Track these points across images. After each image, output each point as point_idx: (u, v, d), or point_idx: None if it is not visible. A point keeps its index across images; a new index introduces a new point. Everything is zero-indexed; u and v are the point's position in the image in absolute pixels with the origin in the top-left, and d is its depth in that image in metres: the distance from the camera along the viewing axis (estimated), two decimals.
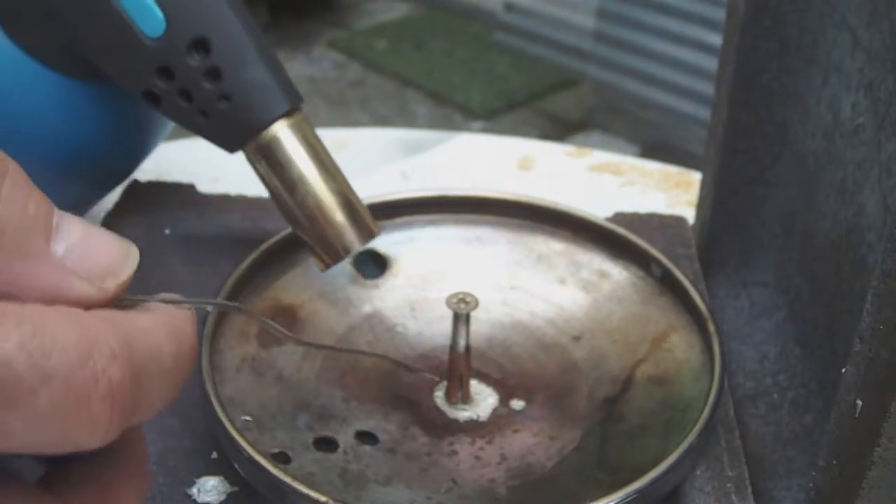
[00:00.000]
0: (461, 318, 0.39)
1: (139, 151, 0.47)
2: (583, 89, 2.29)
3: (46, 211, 0.20)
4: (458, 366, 0.39)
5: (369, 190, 0.48)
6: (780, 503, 0.38)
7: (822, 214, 0.40)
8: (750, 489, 0.35)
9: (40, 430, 0.19)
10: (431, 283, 0.45)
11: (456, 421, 0.39)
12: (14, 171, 0.20)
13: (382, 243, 0.46)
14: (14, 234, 0.19)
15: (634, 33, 2.11)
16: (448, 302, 0.39)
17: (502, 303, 0.45)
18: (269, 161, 0.38)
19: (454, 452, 0.38)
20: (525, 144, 0.71)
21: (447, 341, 0.39)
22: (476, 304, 0.38)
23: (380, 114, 2.21)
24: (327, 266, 0.38)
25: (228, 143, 0.38)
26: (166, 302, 0.23)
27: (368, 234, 0.38)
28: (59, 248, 0.20)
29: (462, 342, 0.39)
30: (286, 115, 0.38)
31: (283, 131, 0.37)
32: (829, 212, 0.39)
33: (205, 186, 0.52)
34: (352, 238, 0.38)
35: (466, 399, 0.40)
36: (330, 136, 0.70)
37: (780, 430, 0.41)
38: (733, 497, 0.34)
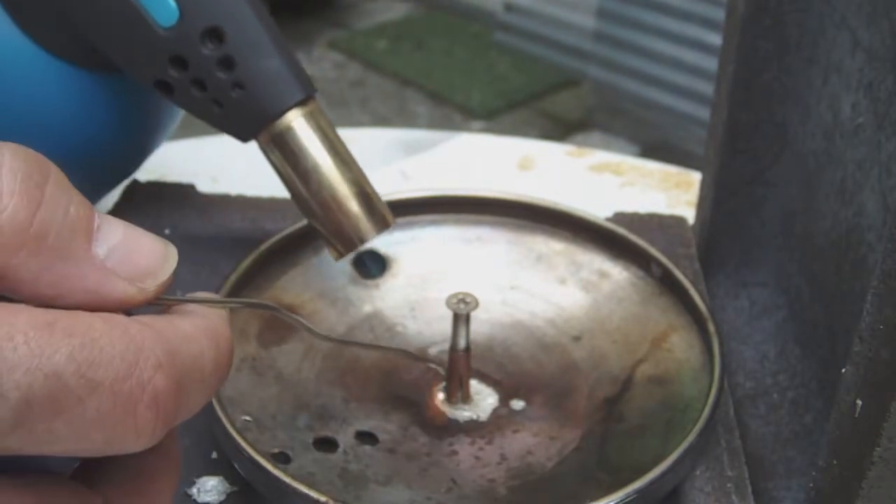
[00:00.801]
0: (461, 318, 0.39)
1: (145, 144, 0.47)
2: (583, 89, 2.29)
3: (88, 213, 0.20)
4: (458, 366, 0.39)
5: None
6: (780, 503, 0.38)
7: (822, 214, 0.40)
8: (750, 489, 0.35)
9: (86, 437, 0.19)
10: (431, 283, 0.45)
11: (456, 421, 0.39)
12: (56, 174, 0.20)
13: (382, 243, 0.46)
14: (57, 238, 0.19)
15: (634, 33, 2.11)
16: (448, 302, 0.39)
17: (502, 303, 0.45)
18: (283, 150, 0.37)
19: (454, 452, 0.38)
20: (525, 144, 0.71)
21: (447, 341, 0.39)
22: (476, 304, 0.38)
23: (380, 114, 2.21)
24: (341, 255, 0.38)
25: (242, 133, 0.38)
26: (201, 302, 0.23)
27: (383, 224, 0.38)
28: (100, 249, 0.20)
29: (462, 342, 0.39)
30: (300, 104, 0.37)
31: (297, 120, 0.37)
32: (829, 212, 0.39)
33: (205, 186, 0.52)
34: (367, 227, 0.37)
35: (466, 399, 0.40)
36: None
37: (780, 430, 0.41)
38: (733, 497, 0.34)
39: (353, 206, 0.37)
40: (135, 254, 0.21)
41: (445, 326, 0.40)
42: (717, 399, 0.36)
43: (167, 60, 0.37)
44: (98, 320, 0.19)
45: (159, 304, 0.22)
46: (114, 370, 0.19)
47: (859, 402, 0.28)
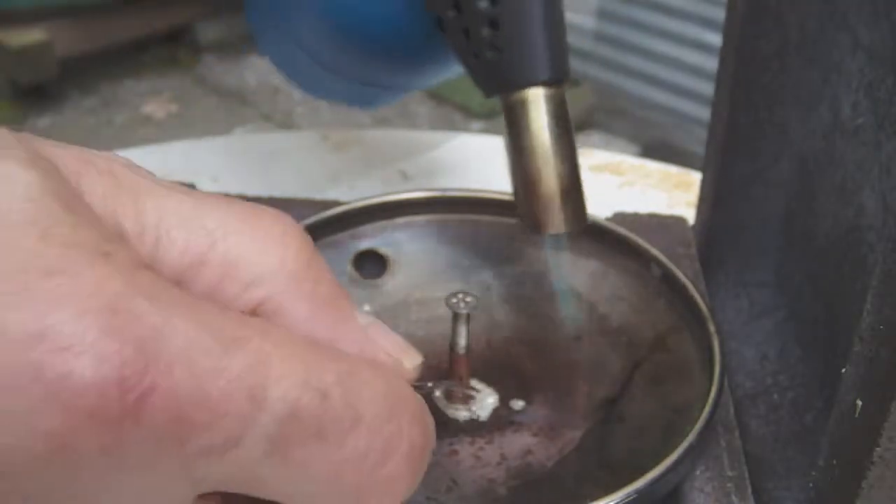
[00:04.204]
0: (461, 318, 0.39)
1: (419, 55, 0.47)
2: (583, 89, 2.29)
3: (345, 291, 0.22)
4: (458, 366, 0.39)
5: (369, 190, 0.48)
6: (780, 503, 0.38)
7: (822, 214, 0.40)
8: (750, 489, 0.35)
9: (337, 479, 0.18)
10: (431, 283, 0.45)
11: (456, 421, 0.39)
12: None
13: (382, 243, 0.46)
14: (328, 288, 0.21)
15: (634, 33, 2.11)
16: (448, 302, 0.38)
17: (502, 302, 0.45)
18: (510, 120, 0.39)
19: (454, 452, 0.38)
20: None
21: (447, 341, 0.39)
22: (476, 304, 0.38)
23: (380, 114, 2.21)
24: (529, 232, 0.39)
25: (485, 89, 0.39)
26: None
27: (572, 223, 0.39)
28: (361, 319, 0.22)
29: (462, 342, 0.39)
30: (545, 84, 0.38)
31: (534, 99, 0.38)
32: (829, 212, 0.39)
33: (205, 186, 0.52)
34: (552, 221, 0.38)
35: (466, 399, 0.40)
36: (331, 137, 0.70)
37: (780, 430, 0.41)
38: (733, 497, 0.34)
39: (549, 198, 0.38)
40: (389, 333, 0.22)
41: (445, 326, 0.40)
42: (717, 399, 0.36)
43: (451, 2, 0.38)
44: (361, 359, 0.20)
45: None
46: (376, 408, 0.19)
47: (859, 402, 0.28)
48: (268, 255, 0.20)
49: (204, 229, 0.20)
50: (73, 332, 0.16)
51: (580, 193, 0.39)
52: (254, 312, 0.20)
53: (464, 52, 0.39)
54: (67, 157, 0.19)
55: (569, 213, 0.39)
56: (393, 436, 0.19)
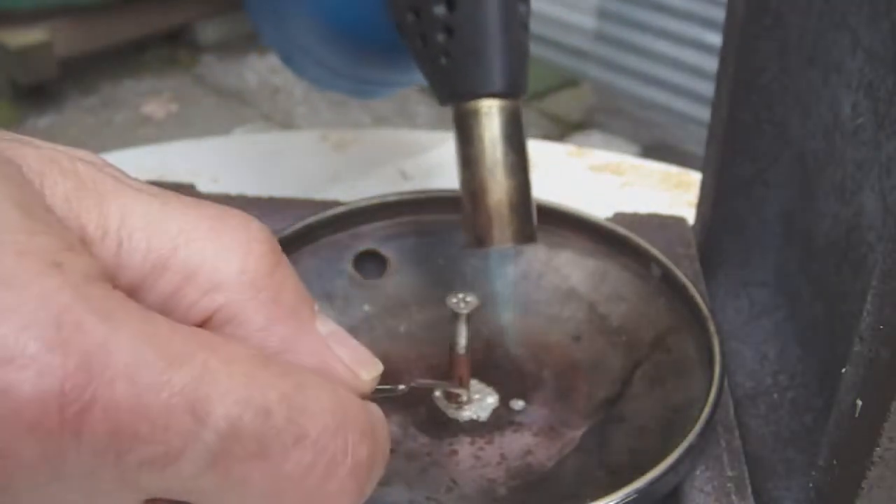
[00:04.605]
0: (461, 318, 0.39)
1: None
2: (583, 89, 2.29)
3: (309, 296, 0.21)
4: (458, 366, 0.39)
5: (369, 190, 0.48)
6: (780, 503, 0.38)
7: (822, 214, 0.40)
8: (750, 489, 0.35)
9: (279, 496, 0.18)
10: (431, 283, 0.45)
11: (456, 421, 0.39)
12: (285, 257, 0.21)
13: (383, 243, 0.46)
14: (291, 296, 0.20)
15: (634, 33, 2.11)
16: (448, 302, 0.39)
17: (502, 302, 0.45)
18: (459, 129, 0.38)
19: (454, 452, 0.38)
20: None
21: (447, 341, 0.39)
22: (476, 304, 0.38)
23: (380, 114, 2.21)
24: (468, 247, 0.39)
25: (439, 96, 0.39)
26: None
27: (517, 238, 0.38)
28: (322, 328, 0.21)
29: (462, 342, 0.39)
30: (497, 97, 0.38)
31: (485, 110, 0.38)
32: (829, 212, 0.39)
33: (205, 186, 0.52)
34: (495, 235, 0.38)
35: (466, 399, 0.40)
36: (330, 137, 0.70)
37: (780, 430, 0.41)
38: (733, 497, 0.34)
39: (493, 211, 0.38)
40: (350, 343, 0.22)
41: (445, 327, 0.40)
42: (717, 399, 0.36)
43: (409, 6, 0.38)
44: (310, 373, 0.20)
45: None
46: (322, 424, 0.19)
47: (859, 402, 0.28)
48: (229, 262, 0.20)
49: (167, 234, 0.19)
50: (16, 345, 0.16)
51: (528, 209, 0.38)
52: (211, 319, 0.20)
53: (421, 57, 0.39)
54: (31, 156, 0.19)
55: (513, 228, 0.38)
56: (338, 451, 0.19)
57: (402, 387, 0.25)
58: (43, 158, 0.19)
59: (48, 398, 0.16)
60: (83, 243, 0.18)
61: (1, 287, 0.16)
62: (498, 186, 0.38)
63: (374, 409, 0.21)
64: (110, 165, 0.20)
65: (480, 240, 0.38)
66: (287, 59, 0.49)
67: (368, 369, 0.22)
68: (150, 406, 0.17)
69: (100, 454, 0.17)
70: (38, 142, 0.20)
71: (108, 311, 0.17)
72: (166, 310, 0.19)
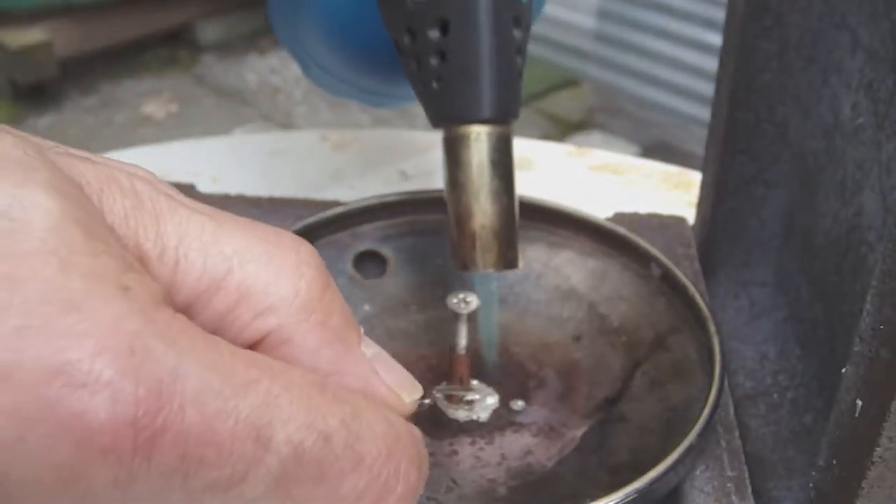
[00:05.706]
0: (461, 318, 0.39)
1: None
2: (583, 89, 2.29)
3: (354, 320, 0.22)
4: (458, 366, 0.39)
5: (369, 190, 0.48)
6: (780, 503, 0.38)
7: (822, 214, 0.40)
8: (750, 489, 0.35)
9: None
10: (431, 283, 0.45)
11: (456, 421, 0.39)
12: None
13: (383, 243, 0.46)
14: (339, 320, 0.21)
15: (634, 33, 2.11)
16: (448, 302, 0.39)
17: (502, 303, 0.45)
18: (448, 153, 0.38)
19: (454, 452, 0.38)
20: (525, 144, 0.71)
21: (447, 342, 0.39)
22: (476, 304, 0.38)
23: (380, 114, 2.21)
24: (455, 267, 0.39)
25: (430, 119, 0.40)
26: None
27: (500, 265, 0.38)
28: (367, 350, 0.22)
29: (462, 342, 0.39)
30: (486, 122, 0.38)
31: (473, 136, 0.38)
32: (829, 212, 0.39)
33: (205, 186, 0.52)
34: (478, 260, 0.38)
35: (467, 399, 0.40)
36: (330, 137, 0.70)
37: (780, 430, 0.41)
38: (733, 497, 0.34)
39: (477, 236, 0.38)
40: (394, 367, 0.23)
41: (445, 327, 0.40)
42: (717, 399, 0.36)
43: (404, 27, 0.38)
44: (363, 398, 0.20)
45: None
46: (377, 450, 0.19)
47: (859, 402, 0.28)
48: (281, 285, 0.20)
49: (222, 254, 0.20)
50: (90, 371, 0.16)
51: (512, 235, 0.39)
52: (263, 341, 0.20)
53: (415, 79, 0.39)
54: (90, 173, 0.19)
55: (495, 254, 0.38)
56: (390, 476, 0.20)
57: (427, 401, 0.26)
58: (101, 175, 0.19)
59: (122, 423, 0.16)
60: (141, 262, 0.19)
61: (72, 311, 0.16)
62: (482, 212, 0.38)
63: (418, 432, 0.22)
64: (163, 182, 0.21)
65: (464, 264, 0.38)
66: (304, 68, 0.50)
67: (410, 392, 0.23)
68: (218, 432, 0.17)
69: (168, 477, 0.17)
70: (94, 157, 0.20)
71: (175, 337, 0.17)
72: (219, 329, 0.20)
